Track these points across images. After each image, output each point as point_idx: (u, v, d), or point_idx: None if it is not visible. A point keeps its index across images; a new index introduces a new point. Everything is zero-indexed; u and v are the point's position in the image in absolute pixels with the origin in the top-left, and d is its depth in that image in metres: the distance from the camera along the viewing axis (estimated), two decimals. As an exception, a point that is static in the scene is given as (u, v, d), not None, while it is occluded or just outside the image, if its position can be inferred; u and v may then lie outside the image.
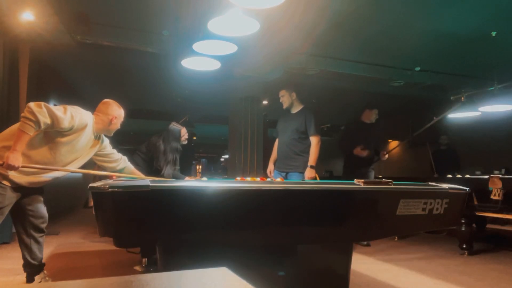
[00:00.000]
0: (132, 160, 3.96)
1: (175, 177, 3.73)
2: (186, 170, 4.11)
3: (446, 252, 4.35)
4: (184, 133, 3.94)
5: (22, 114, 2.32)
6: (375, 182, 2.01)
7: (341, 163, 5.15)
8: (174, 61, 5.26)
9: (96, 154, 2.84)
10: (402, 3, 4.14)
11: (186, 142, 3.98)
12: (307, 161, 3.85)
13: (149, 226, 1.64)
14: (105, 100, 2.85)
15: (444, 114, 5.60)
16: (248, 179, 2.88)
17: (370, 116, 4.91)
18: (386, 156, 4.96)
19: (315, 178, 3.79)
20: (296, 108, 4.06)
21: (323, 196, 1.91)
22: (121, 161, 2.97)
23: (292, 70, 5.97)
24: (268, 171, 4.18)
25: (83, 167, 2.84)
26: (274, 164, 4.19)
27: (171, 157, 3.77)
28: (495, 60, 5.65)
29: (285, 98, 4.05)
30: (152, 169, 3.85)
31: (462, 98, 6.27)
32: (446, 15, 4.37)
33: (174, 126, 3.95)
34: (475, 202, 4.18)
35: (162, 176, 3.68)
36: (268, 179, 3.36)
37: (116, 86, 7.95)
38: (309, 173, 3.79)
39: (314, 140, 3.88)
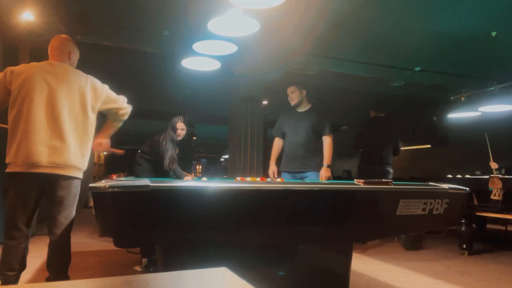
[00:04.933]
0: (134, 161, 3.98)
1: (175, 173, 3.73)
2: (186, 170, 4.10)
3: (446, 252, 4.35)
4: (179, 127, 3.93)
5: (124, 111, 2.77)
6: (375, 182, 2.01)
7: (341, 163, 5.13)
8: (174, 61, 5.26)
9: None
10: (402, 3, 4.14)
11: (179, 138, 3.94)
12: (321, 160, 3.77)
13: (149, 226, 1.64)
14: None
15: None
16: (248, 179, 2.88)
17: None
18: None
19: (329, 178, 3.74)
20: (305, 107, 3.94)
21: (323, 196, 1.91)
22: None
23: (292, 70, 5.96)
24: (270, 171, 3.93)
25: None
26: (276, 164, 4.01)
27: (168, 145, 3.79)
28: (495, 60, 5.65)
29: (295, 95, 3.90)
30: (156, 169, 3.87)
31: (462, 98, 6.28)
32: (446, 15, 4.37)
33: (176, 118, 4.00)
34: (475, 202, 4.18)
35: (166, 168, 3.74)
36: (268, 179, 3.34)
37: (116, 86, 7.91)
38: (325, 172, 3.69)
39: (328, 140, 3.79)
